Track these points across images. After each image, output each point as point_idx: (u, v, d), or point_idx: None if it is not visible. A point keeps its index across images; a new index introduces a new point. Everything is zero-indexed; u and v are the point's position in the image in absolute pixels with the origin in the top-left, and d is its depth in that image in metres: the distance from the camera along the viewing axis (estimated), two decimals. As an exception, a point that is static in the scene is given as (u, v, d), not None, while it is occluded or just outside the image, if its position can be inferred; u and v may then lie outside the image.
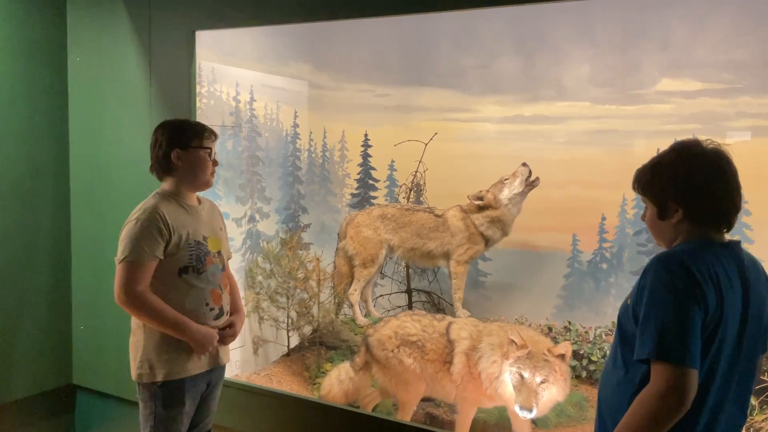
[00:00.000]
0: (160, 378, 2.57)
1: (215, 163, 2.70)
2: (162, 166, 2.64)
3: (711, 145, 1.81)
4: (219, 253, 2.73)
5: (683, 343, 1.63)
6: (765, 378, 2.87)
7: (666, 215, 1.82)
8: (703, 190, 1.77)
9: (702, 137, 1.86)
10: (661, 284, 1.67)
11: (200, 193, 2.80)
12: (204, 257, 2.63)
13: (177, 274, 2.58)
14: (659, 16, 3.35)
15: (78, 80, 3.99)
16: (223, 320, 2.73)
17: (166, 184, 2.68)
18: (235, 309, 2.84)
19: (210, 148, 2.67)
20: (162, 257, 2.54)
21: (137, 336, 2.63)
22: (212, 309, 2.67)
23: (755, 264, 1.87)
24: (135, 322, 2.65)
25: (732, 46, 3.23)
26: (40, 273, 4.00)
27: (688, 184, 1.78)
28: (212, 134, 2.69)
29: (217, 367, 2.77)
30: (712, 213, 1.78)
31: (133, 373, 2.63)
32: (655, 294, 1.67)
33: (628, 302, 1.80)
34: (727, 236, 1.85)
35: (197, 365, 2.65)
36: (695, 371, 1.64)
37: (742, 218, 3.12)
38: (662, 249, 1.90)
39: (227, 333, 2.73)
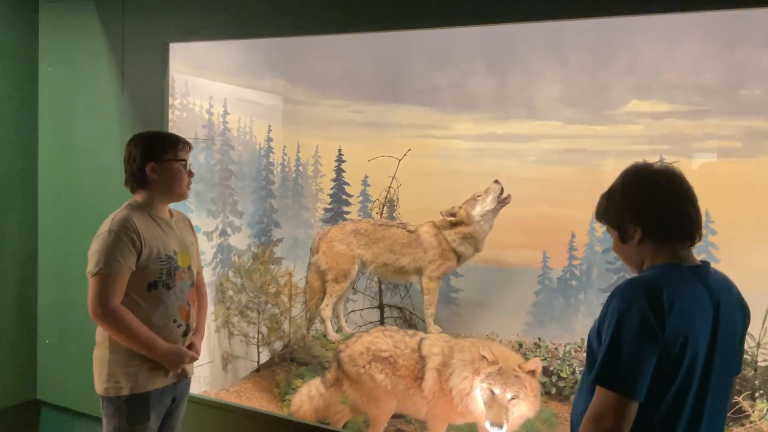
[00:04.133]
0: (125, 392, 2.53)
1: (191, 174, 2.68)
2: (137, 179, 2.61)
3: (660, 166, 1.86)
4: (189, 268, 2.70)
5: (628, 373, 1.65)
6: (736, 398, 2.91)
7: (626, 238, 1.86)
8: (656, 207, 1.81)
9: (647, 152, 1.92)
10: (620, 313, 1.68)
11: (172, 205, 2.77)
12: (174, 272, 2.60)
13: (146, 289, 2.54)
14: (629, 38, 3.41)
15: (48, 90, 3.95)
16: (190, 336, 2.70)
17: (139, 196, 2.65)
18: (196, 329, 2.78)
19: (185, 160, 2.65)
20: (134, 268, 2.50)
21: (102, 349, 2.58)
22: (180, 325, 2.64)
23: (728, 286, 1.88)
24: (100, 334, 2.60)
25: (700, 69, 3.30)
26: (6, 285, 3.93)
27: (639, 203, 1.82)
28: (186, 145, 2.68)
29: (183, 381, 2.74)
30: (669, 228, 1.81)
31: (98, 387, 2.58)
32: (614, 322, 1.69)
33: (596, 324, 1.82)
34: (697, 258, 1.87)
35: (163, 378, 2.61)
36: (634, 402, 1.67)
37: (708, 237, 3.20)
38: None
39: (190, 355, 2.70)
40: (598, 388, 1.69)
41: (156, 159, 2.58)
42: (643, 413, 1.69)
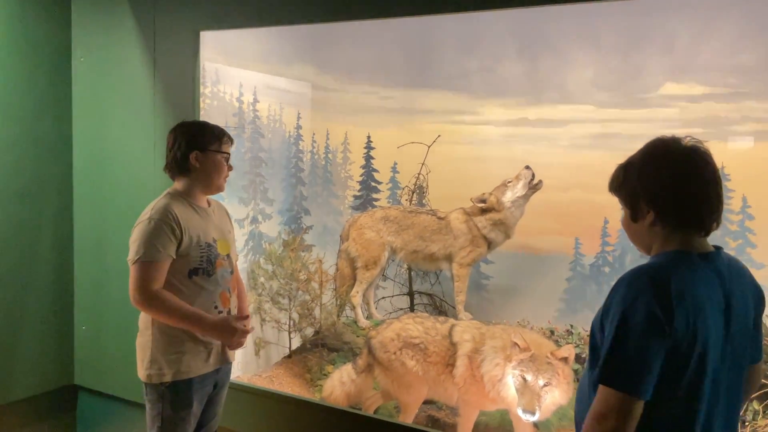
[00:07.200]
0: (168, 378, 2.56)
1: (230, 168, 2.72)
2: (178, 166, 2.64)
3: (689, 143, 1.71)
4: (228, 255, 2.73)
5: (634, 372, 1.55)
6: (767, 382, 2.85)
7: (638, 217, 1.74)
8: (673, 191, 1.67)
9: (682, 135, 1.75)
10: (624, 305, 1.57)
11: None
12: (214, 260, 2.63)
13: (187, 276, 2.57)
14: (663, 19, 3.34)
15: (82, 80, 4.00)
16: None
17: (178, 184, 2.68)
18: (240, 313, 2.83)
19: (227, 153, 2.69)
20: (174, 257, 2.53)
21: (145, 336, 2.61)
22: (220, 312, 2.67)
23: (739, 270, 1.77)
24: (143, 321, 2.63)
25: (736, 50, 3.23)
26: (43, 273, 4.01)
27: (657, 183, 1.69)
28: (230, 139, 2.72)
29: (224, 367, 2.77)
30: (685, 215, 1.68)
31: (141, 373, 2.62)
32: (618, 315, 1.58)
33: (599, 314, 1.71)
34: (711, 244, 1.75)
35: (205, 364, 2.64)
36: (640, 402, 1.56)
37: (745, 222, 3.13)
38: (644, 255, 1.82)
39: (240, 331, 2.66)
40: (601, 386, 1.59)
41: (201, 148, 2.62)
42: (653, 409, 1.59)
